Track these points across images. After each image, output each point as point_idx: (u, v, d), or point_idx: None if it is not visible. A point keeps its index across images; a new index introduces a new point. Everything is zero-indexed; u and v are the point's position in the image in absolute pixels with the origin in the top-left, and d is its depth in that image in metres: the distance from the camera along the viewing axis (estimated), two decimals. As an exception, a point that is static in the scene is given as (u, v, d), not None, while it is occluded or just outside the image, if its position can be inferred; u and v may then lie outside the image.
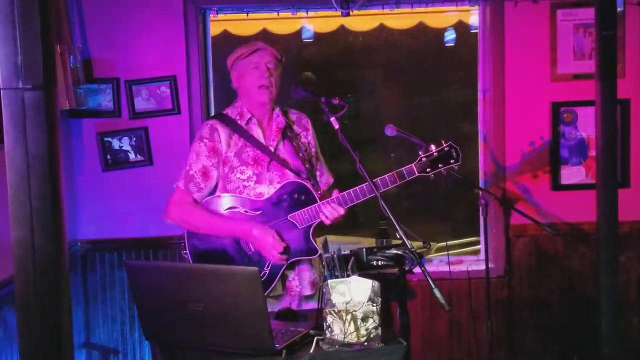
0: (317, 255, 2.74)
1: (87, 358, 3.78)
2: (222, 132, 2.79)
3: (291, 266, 2.76)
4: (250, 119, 2.82)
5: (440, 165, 2.71)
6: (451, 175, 2.80)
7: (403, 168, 2.70)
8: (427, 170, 2.70)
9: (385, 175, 2.68)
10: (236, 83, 2.86)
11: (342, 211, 2.68)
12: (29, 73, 1.35)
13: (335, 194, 2.70)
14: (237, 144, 2.79)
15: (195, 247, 2.77)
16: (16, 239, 1.41)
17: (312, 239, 2.71)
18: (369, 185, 2.61)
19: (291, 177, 2.75)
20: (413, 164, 2.70)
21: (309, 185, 2.72)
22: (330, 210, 2.67)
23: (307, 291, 2.80)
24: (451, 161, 2.72)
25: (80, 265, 3.75)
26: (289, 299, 2.79)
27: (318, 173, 2.93)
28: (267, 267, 2.71)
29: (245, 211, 2.73)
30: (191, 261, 2.77)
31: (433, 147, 2.72)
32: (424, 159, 2.71)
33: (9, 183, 1.41)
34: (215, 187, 2.81)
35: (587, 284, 3.80)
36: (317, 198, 2.71)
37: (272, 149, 2.80)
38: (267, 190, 2.74)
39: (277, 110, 2.86)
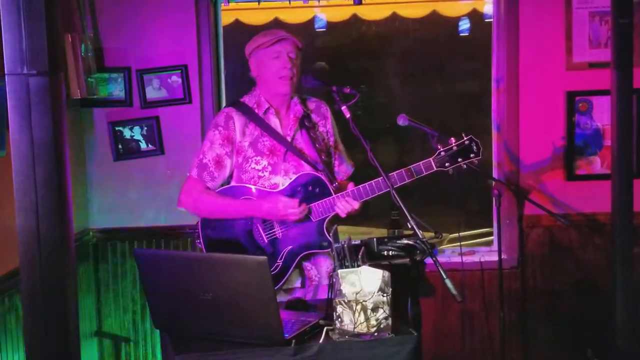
0: (330, 248, 2.72)
1: (99, 347, 3.80)
2: (238, 121, 2.76)
3: (307, 257, 2.74)
4: (268, 108, 2.77)
5: (459, 160, 2.62)
6: (468, 168, 2.74)
7: (420, 162, 2.62)
8: (446, 165, 2.62)
9: (402, 170, 2.61)
10: (255, 72, 2.80)
11: (356, 205, 2.63)
12: (34, 58, 1.33)
13: (351, 187, 2.67)
14: (252, 133, 2.76)
15: (209, 237, 2.76)
16: (22, 228, 1.40)
17: (325, 231, 2.69)
18: (384, 180, 2.57)
19: (307, 168, 2.72)
20: (431, 159, 2.62)
21: (323, 178, 2.69)
22: (344, 204, 2.63)
23: (326, 280, 2.77)
24: (471, 155, 2.62)
25: (91, 254, 3.76)
26: (303, 292, 2.77)
27: (337, 162, 2.89)
28: (281, 259, 2.69)
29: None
30: (204, 251, 2.77)
31: (453, 140, 2.62)
32: (442, 153, 2.61)
33: (14, 171, 1.40)
34: (230, 176, 2.80)
35: (601, 276, 3.76)
36: (331, 191, 2.68)
37: (289, 139, 2.76)
38: (282, 181, 2.72)
39: (296, 98, 2.82)
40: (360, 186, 2.64)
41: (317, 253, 2.76)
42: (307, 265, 2.76)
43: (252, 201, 2.69)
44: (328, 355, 2.07)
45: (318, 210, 2.67)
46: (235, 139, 2.75)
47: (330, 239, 2.66)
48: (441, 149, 2.62)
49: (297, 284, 2.76)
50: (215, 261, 2.14)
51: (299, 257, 2.70)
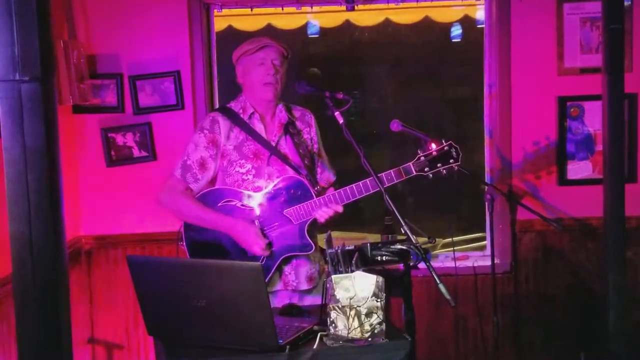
0: (311, 252, 2.74)
1: (92, 353, 3.78)
2: (223, 125, 2.80)
3: (288, 260, 2.76)
4: (253, 113, 2.82)
5: (439, 165, 2.68)
6: (457, 171, 2.77)
7: (401, 167, 2.68)
8: (426, 169, 2.67)
9: (383, 174, 2.66)
10: (241, 78, 2.87)
11: (339, 209, 2.67)
12: (26, 64, 1.33)
13: (331, 191, 2.70)
14: (237, 137, 2.80)
15: (192, 239, 2.78)
16: (14, 235, 1.38)
17: (306, 234, 2.71)
18: (366, 183, 2.63)
19: (290, 172, 2.76)
20: (411, 163, 2.68)
21: (306, 181, 2.72)
22: (325, 210, 2.66)
23: (304, 285, 2.80)
24: (450, 161, 2.69)
25: (84, 261, 3.74)
26: (286, 295, 2.78)
27: (319, 170, 2.93)
28: (262, 261, 2.71)
29: (242, 205, 2.73)
30: (188, 253, 2.78)
31: (433, 145, 2.69)
32: (422, 158, 2.67)
33: (6, 177, 1.39)
34: (215, 179, 2.81)
35: (594, 280, 3.77)
36: (313, 194, 2.71)
37: (273, 144, 2.80)
38: (266, 185, 2.75)
39: (281, 106, 2.87)
40: (341, 189, 2.68)
41: (298, 257, 2.78)
42: (286, 269, 2.78)
43: (228, 219, 2.71)
44: (322, 361, 2.07)
45: (299, 213, 2.69)
46: (220, 142, 2.79)
47: (311, 242, 2.68)
48: (421, 154, 2.68)
49: (279, 286, 2.78)
50: (208, 267, 2.14)
51: (279, 260, 2.72)
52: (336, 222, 2.75)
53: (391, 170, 2.67)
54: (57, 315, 1.42)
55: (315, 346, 2.10)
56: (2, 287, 2.87)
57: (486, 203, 3.65)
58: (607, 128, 2.89)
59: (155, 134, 3.73)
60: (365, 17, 4.58)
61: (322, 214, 2.67)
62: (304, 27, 4.66)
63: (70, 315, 1.53)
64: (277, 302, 2.72)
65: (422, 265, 2.35)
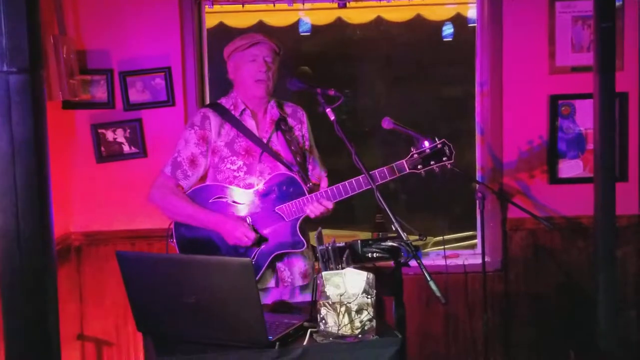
0: (303, 249, 2.73)
1: (81, 350, 3.76)
2: (214, 121, 2.79)
3: (280, 257, 2.75)
4: (244, 110, 2.81)
5: (432, 163, 2.68)
6: (449, 169, 2.76)
7: (393, 164, 2.67)
8: (419, 167, 2.67)
9: (376, 171, 2.66)
10: (232, 74, 2.85)
11: (330, 205, 2.66)
12: (14, 56, 1.31)
13: (323, 186, 2.69)
14: (228, 133, 2.79)
15: (183, 236, 2.77)
16: (1, 229, 1.37)
17: (298, 231, 2.70)
18: (358, 180, 2.62)
19: (282, 169, 2.74)
20: (404, 160, 2.68)
21: (298, 178, 2.71)
22: (316, 206, 2.65)
23: (299, 282, 2.79)
24: (444, 159, 2.68)
25: (74, 257, 3.72)
26: (278, 291, 2.77)
27: (310, 166, 2.92)
28: (254, 258, 2.70)
29: (233, 201, 2.72)
30: (178, 250, 2.77)
31: (426, 143, 2.69)
32: (415, 156, 2.67)
33: (-6, 170, 1.38)
34: (206, 175, 2.80)
35: (584, 278, 3.78)
36: (305, 191, 2.70)
37: (264, 140, 2.78)
38: (257, 182, 2.74)
39: (272, 102, 2.86)
40: (333, 186, 2.67)
41: (291, 254, 2.76)
42: (280, 266, 2.77)
43: (216, 216, 2.70)
44: (312, 358, 2.07)
45: (291, 210, 2.68)
46: (211, 139, 2.78)
47: (303, 239, 2.67)
48: (414, 152, 2.68)
49: (272, 283, 2.77)
50: (198, 263, 2.13)
51: (271, 257, 2.71)
52: (327, 220, 2.74)
53: (384, 168, 2.66)
54: (45, 311, 1.40)
55: (305, 342, 2.10)
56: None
57: (477, 201, 3.65)
58: (598, 126, 2.90)
59: (145, 130, 3.71)
60: (357, 15, 4.59)
61: (313, 210, 2.66)
62: (296, 24, 4.65)
63: (59, 311, 1.52)
64: (269, 299, 2.71)
65: (413, 263, 2.35)
